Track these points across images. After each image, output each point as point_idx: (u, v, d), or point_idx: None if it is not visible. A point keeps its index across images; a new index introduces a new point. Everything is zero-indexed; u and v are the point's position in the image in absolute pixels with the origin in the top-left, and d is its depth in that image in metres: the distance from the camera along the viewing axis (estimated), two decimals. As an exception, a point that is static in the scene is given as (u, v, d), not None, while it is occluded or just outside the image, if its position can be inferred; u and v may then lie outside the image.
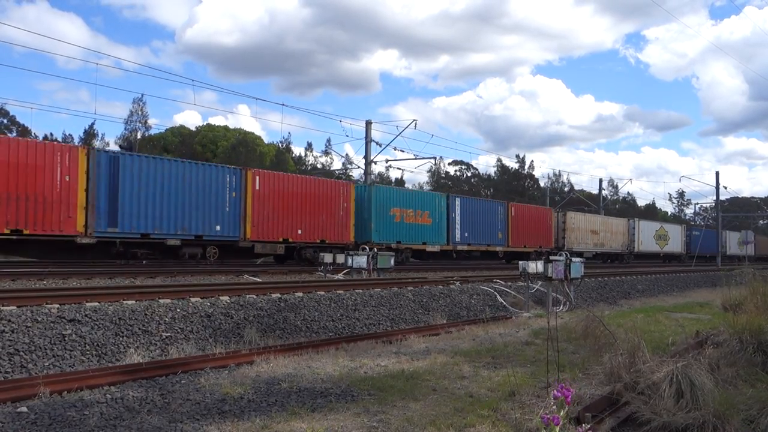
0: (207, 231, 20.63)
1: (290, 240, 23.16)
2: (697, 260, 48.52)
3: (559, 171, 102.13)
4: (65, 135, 62.38)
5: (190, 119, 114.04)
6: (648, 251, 47.08)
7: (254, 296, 12.03)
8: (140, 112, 58.75)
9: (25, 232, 16.77)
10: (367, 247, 20.93)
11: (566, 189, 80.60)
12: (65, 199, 17.48)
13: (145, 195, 19.14)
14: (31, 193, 16.84)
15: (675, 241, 51.33)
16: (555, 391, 2.92)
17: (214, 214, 20.79)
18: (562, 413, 2.87)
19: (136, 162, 19.23)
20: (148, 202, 19.18)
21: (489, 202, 35.58)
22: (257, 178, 22.23)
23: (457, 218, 30.35)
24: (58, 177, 17.45)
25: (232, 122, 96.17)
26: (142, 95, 62.67)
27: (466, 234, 30.84)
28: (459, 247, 30.45)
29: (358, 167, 46.75)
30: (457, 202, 30.76)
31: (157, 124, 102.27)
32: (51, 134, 62.12)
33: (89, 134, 60.20)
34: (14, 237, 16.60)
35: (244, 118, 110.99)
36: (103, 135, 62.26)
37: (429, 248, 28.58)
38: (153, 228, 19.30)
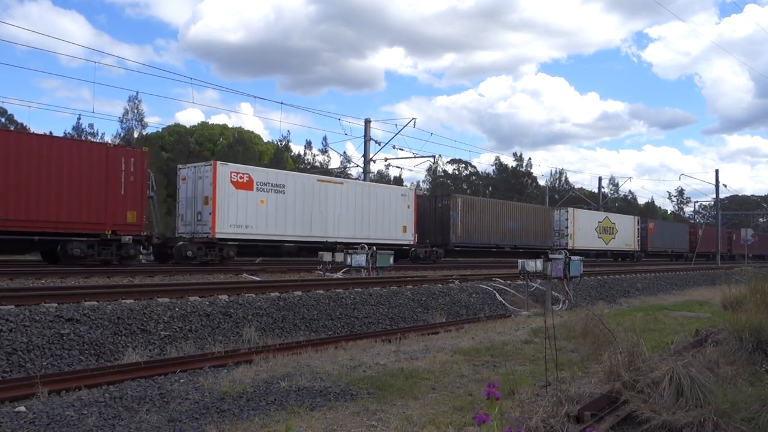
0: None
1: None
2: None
3: (563, 169, 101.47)
4: (66, 134, 62.14)
5: (193, 118, 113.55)
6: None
7: (253, 295, 12.01)
8: (135, 110, 58.33)
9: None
10: (366, 246, 20.86)
11: (567, 187, 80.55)
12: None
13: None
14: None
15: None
16: (485, 388, 2.92)
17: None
18: (496, 409, 2.87)
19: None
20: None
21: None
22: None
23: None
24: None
25: (235, 121, 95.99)
26: (137, 93, 62.17)
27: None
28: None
29: (357, 165, 46.75)
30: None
31: (158, 122, 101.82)
32: (50, 132, 61.80)
33: (78, 131, 59.46)
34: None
35: (246, 117, 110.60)
36: (103, 134, 61.85)
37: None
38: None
